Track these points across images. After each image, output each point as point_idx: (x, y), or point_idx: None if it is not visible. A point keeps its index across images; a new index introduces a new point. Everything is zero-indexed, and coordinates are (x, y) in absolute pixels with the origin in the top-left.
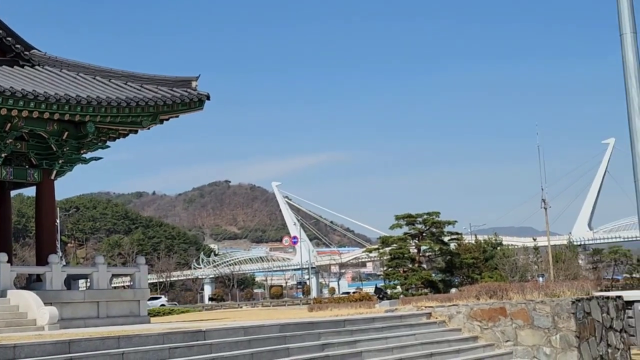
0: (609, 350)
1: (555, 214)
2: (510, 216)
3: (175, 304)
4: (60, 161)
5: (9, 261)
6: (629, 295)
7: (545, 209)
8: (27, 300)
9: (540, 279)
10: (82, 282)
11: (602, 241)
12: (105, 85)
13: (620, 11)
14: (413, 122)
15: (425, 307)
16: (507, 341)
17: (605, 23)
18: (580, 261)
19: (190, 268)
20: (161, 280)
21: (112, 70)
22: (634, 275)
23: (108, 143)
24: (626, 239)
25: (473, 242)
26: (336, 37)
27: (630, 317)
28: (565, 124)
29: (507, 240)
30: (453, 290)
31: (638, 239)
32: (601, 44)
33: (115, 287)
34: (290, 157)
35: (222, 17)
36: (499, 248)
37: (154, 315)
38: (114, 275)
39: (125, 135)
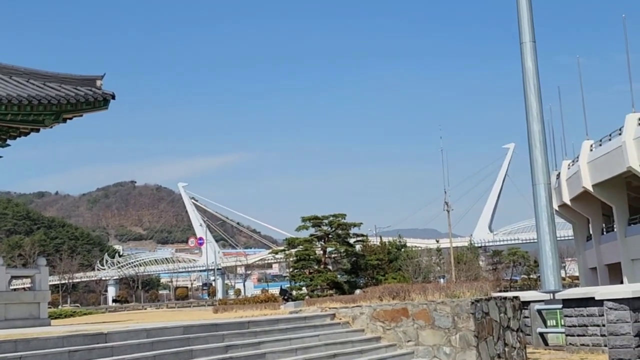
0: (506, 349)
1: (457, 216)
2: (414, 218)
3: (78, 306)
4: None
5: None
6: (525, 295)
7: (448, 211)
8: None
9: (442, 280)
10: None
11: (501, 243)
12: (5, 83)
13: (520, 20)
14: (321, 124)
15: (330, 308)
16: (409, 341)
17: (509, 29)
18: (480, 262)
19: (94, 269)
20: (64, 282)
21: (13, 67)
22: (531, 276)
23: (8, 142)
24: (524, 241)
25: (378, 243)
26: (247, 36)
27: (527, 317)
28: (469, 127)
29: (411, 242)
30: (357, 291)
31: (535, 241)
32: (504, 50)
33: (15, 289)
34: (198, 157)
35: (131, 16)
36: (403, 250)
37: (56, 318)
38: (13, 277)
39: (26, 134)
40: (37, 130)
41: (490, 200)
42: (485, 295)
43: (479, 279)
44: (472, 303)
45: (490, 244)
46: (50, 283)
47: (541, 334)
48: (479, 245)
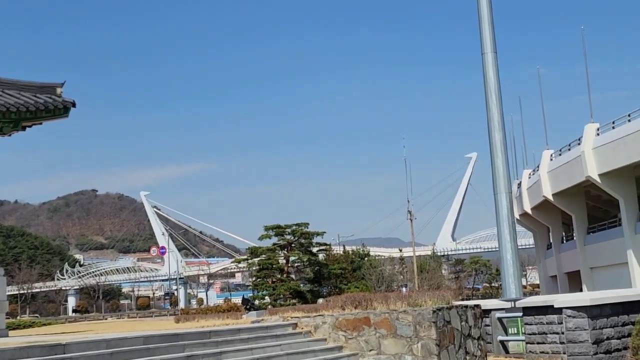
0: (467, 358)
1: (420, 225)
2: (377, 227)
3: (37, 317)
4: None
5: None
6: (486, 304)
7: (411, 220)
8: None
9: (404, 288)
10: None
11: (464, 252)
12: None
13: (482, 31)
14: (283, 132)
15: (292, 317)
16: (371, 350)
17: (472, 39)
18: (443, 271)
19: (53, 279)
20: (22, 291)
21: None
22: (492, 284)
23: None
24: (486, 250)
25: (341, 252)
26: (210, 44)
27: (488, 325)
28: (431, 137)
29: (374, 251)
30: (320, 300)
31: (497, 249)
32: (466, 60)
33: None
34: (160, 166)
35: (86, 13)
36: (366, 258)
37: (14, 329)
38: None
39: None
40: None
41: (453, 209)
42: (447, 304)
43: (442, 287)
44: (434, 312)
45: (453, 252)
46: (9, 293)
47: (502, 342)
48: (442, 254)
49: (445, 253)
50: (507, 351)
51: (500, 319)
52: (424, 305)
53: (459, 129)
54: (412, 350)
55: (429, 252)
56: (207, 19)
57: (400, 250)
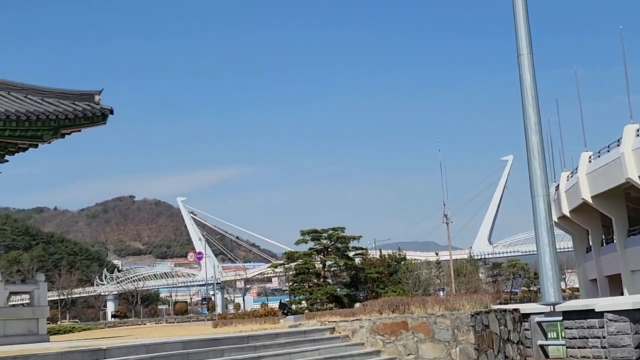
0: None
1: (456, 228)
2: (413, 231)
3: (77, 322)
4: None
5: None
6: (525, 308)
7: (447, 224)
8: None
9: (441, 292)
10: None
11: (501, 255)
12: (3, 98)
13: (517, 32)
14: (320, 137)
15: (329, 321)
16: (409, 354)
17: (506, 40)
18: (480, 275)
19: (92, 285)
20: (62, 297)
21: (11, 83)
22: (531, 288)
23: (7, 157)
24: (524, 253)
25: (377, 256)
26: (245, 49)
27: (527, 330)
28: (467, 140)
29: (410, 255)
30: (357, 304)
31: (535, 252)
32: (503, 62)
33: (13, 305)
34: (197, 172)
35: (125, 26)
36: (402, 262)
37: (55, 334)
38: (11, 293)
39: (25, 150)
40: (36, 146)
41: (490, 212)
42: (485, 308)
43: (479, 291)
44: (472, 316)
45: (490, 256)
46: (49, 299)
47: (542, 346)
48: (479, 257)
49: (482, 257)
50: (547, 355)
51: (539, 323)
52: (462, 309)
53: (495, 132)
54: (450, 355)
55: (466, 256)
56: (230, 27)
57: (437, 254)
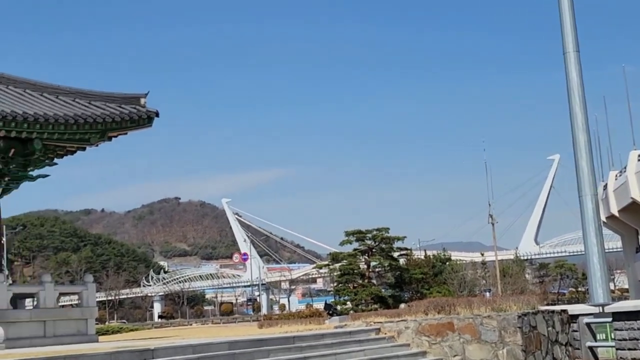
0: None
1: (502, 228)
2: (458, 231)
3: (125, 322)
4: (6, 179)
5: None
6: (573, 309)
7: (493, 224)
8: None
9: (487, 293)
10: (28, 301)
11: (548, 256)
12: (52, 102)
13: (563, 30)
14: (362, 138)
15: (374, 322)
16: (455, 356)
17: (551, 38)
18: (527, 275)
19: (139, 286)
20: (110, 298)
21: (59, 87)
22: (579, 289)
23: (55, 160)
24: (572, 253)
25: (422, 257)
26: (286, 52)
27: (575, 331)
28: (513, 139)
29: (455, 255)
30: (402, 305)
31: (583, 253)
32: (547, 59)
33: (62, 306)
34: (241, 173)
35: (167, 29)
36: (447, 263)
37: (103, 334)
38: (61, 294)
39: (73, 152)
40: (83, 149)
41: (536, 212)
42: (532, 309)
43: (526, 292)
44: (519, 317)
45: (537, 256)
46: (97, 299)
47: (591, 348)
48: (525, 258)
49: (529, 257)
50: (596, 357)
51: (588, 325)
52: (509, 310)
53: (541, 131)
54: (497, 356)
55: (512, 256)
56: (280, 27)
57: (482, 255)
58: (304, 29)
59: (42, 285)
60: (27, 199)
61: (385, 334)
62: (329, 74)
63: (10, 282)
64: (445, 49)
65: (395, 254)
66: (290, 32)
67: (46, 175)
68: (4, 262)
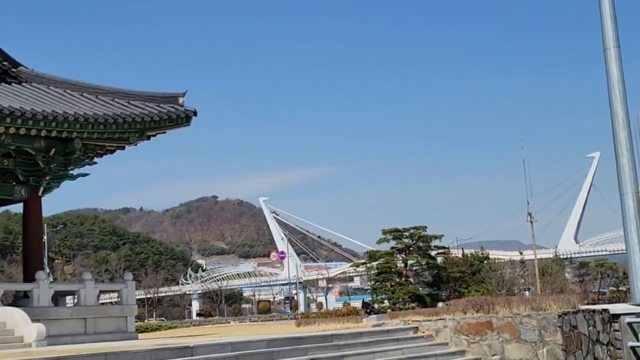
0: None
1: (541, 227)
2: (496, 230)
3: (163, 320)
4: (47, 178)
5: None
6: (615, 308)
7: (532, 222)
8: (14, 317)
9: (527, 292)
10: (69, 299)
11: (588, 254)
12: (92, 102)
13: (603, 26)
14: (400, 137)
15: (412, 321)
16: (494, 355)
17: (590, 35)
18: (566, 274)
19: (177, 284)
20: (149, 296)
21: (99, 87)
22: (620, 288)
23: (95, 159)
24: (612, 252)
25: (460, 256)
26: (323, 45)
27: (617, 331)
28: (551, 137)
29: (493, 254)
30: (440, 304)
31: (624, 252)
32: (587, 56)
33: (102, 304)
34: (278, 172)
35: (206, 29)
36: (485, 262)
37: (142, 332)
38: (101, 292)
39: (112, 152)
40: (123, 148)
41: (576, 210)
42: (572, 308)
43: (565, 291)
44: (560, 316)
45: (577, 255)
46: (137, 297)
47: (633, 348)
48: (565, 256)
49: (568, 256)
50: (638, 357)
51: (630, 324)
52: (549, 310)
53: (580, 128)
54: (537, 356)
55: (551, 255)
56: (316, 26)
57: (521, 253)
58: (351, 30)
59: (83, 283)
60: (68, 197)
61: (423, 332)
62: (371, 73)
63: (52, 279)
64: (481, 48)
65: (433, 253)
66: (333, 31)
67: (86, 174)
68: (45, 260)
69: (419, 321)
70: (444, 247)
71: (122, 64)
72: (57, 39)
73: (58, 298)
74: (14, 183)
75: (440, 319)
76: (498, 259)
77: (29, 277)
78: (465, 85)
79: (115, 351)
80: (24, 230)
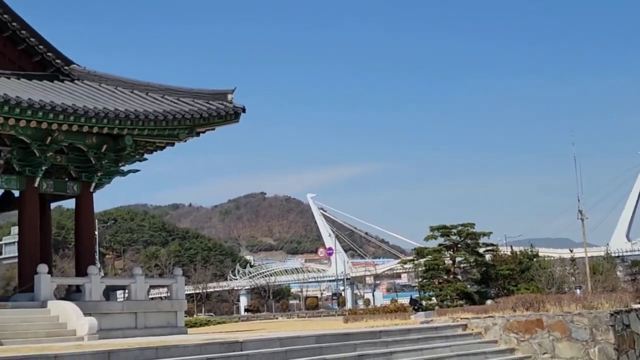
0: None
1: (592, 225)
2: (546, 227)
3: (212, 315)
4: (99, 174)
5: (49, 272)
6: None
7: (582, 220)
8: (67, 311)
9: (578, 290)
10: (119, 293)
11: None
12: (142, 99)
13: None
14: (448, 134)
15: (461, 318)
16: (545, 353)
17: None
18: (618, 273)
19: (226, 279)
20: (198, 291)
21: (149, 84)
22: None
23: (145, 155)
24: None
25: (509, 253)
26: (368, 46)
27: None
28: (603, 134)
29: (543, 252)
30: (488, 301)
31: None
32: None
33: (152, 298)
34: (325, 168)
35: (257, 29)
36: (535, 259)
37: (191, 326)
38: (151, 287)
39: (162, 148)
40: (172, 144)
41: (628, 208)
42: (625, 307)
43: (617, 290)
44: (612, 315)
45: (629, 253)
46: (186, 292)
47: None
48: (616, 254)
49: (620, 254)
50: None
51: None
52: (600, 308)
53: (633, 125)
54: (588, 355)
55: (602, 253)
56: (368, 24)
57: (571, 251)
58: (399, 33)
59: (134, 278)
60: (118, 193)
61: (472, 330)
62: (413, 68)
63: (103, 274)
64: (536, 50)
65: (481, 250)
66: (384, 33)
67: (136, 170)
68: (96, 255)
69: (467, 318)
70: (492, 245)
71: (170, 61)
72: (108, 35)
73: (109, 292)
74: (67, 179)
75: (490, 317)
76: (548, 256)
77: (81, 272)
78: (515, 84)
79: (166, 345)
80: (76, 225)
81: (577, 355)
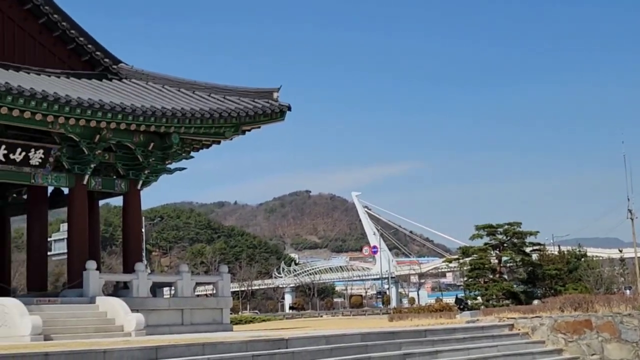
0: None
1: None
2: (594, 227)
3: (257, 313)
4: (146, 171)
5: (98, 269)
6: None
7: (632, 219)
8: (114, 307)
9: (628, 291)
10: (166, 290)
11: None
12: (189, 97)
13: None
14: (494, 132)
15: (507, 318)
16: (593, 355)
17: None
18: None
19: (271, 277)
20: (243, 289)
21: (196, 83)
22: None
23: (192, 153)
24: None
25: (556, 253)
26: (418, 45)
27: None
28: None
29: (591, 252)
30: (535, 301)
31: None
32: None
33: (198, 296)
34: (370, 166)
35: (300, 26)
36: (583, 259)
37: (236, 324)
38: (197, 284)
39: (208, 146)
40: (218, 142)
41: None
42: None
43: None
44: None
45: None
46: (231, 290)
47: None
48: None
49: None
50: None
51: None
52: None
53: None
54: (638, 356)
55: None
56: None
57: (620, 251)
58: (443, 38)
59: (180, 275)
60: (165, 191)
61: (519, 330)
62: (458, 66)
63: (150, 271)
64: (584, 50)
65: (528, 249)
66: (426, 37)
67: (183, 168)
68: (143, 253)
69: (514, 318)
70: (539, 244)
71: (212, 59)
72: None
73: (156, 289)
74: (115, 177)
75: (537, 317)
76: (596, 256)
77: (128, 269)
78: (562, 82)
79: (212, 342)
80: (123, 222)
81: (626, 356)
